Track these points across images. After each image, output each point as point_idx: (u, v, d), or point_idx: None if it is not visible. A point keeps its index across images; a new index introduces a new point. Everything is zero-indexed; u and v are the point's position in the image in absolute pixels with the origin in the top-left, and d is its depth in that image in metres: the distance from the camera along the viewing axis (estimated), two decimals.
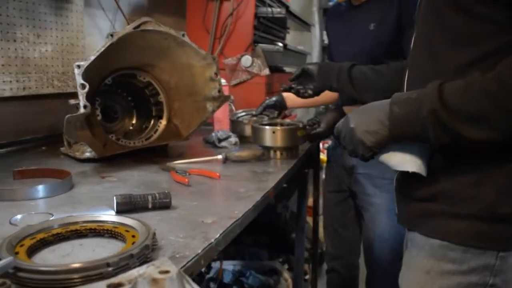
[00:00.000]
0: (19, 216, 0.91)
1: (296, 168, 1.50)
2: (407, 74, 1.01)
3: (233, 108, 2.30)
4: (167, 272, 0.53)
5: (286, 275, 2.07)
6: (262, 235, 2.54)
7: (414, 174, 0.89)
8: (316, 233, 2.29)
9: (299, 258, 2.11)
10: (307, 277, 2.36)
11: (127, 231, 0.78)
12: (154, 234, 0.75)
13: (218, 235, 0.82)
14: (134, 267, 0.63)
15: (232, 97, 2.31)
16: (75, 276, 0.62)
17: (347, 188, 1.86)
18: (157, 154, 1.59)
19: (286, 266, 2.30)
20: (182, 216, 0.93)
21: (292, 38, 3.33)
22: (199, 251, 0.74)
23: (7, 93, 1.58)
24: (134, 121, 1.76)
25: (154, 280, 0.52)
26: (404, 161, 0.90)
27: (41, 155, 1.57)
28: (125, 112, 1.74)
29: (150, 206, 0.96)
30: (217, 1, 2.30)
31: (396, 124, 0.86)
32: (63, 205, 1.01)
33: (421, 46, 0.95)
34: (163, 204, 0.97)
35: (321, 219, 2.40)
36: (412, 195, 0.95)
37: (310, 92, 1.48)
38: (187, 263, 0.69)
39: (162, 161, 1.46)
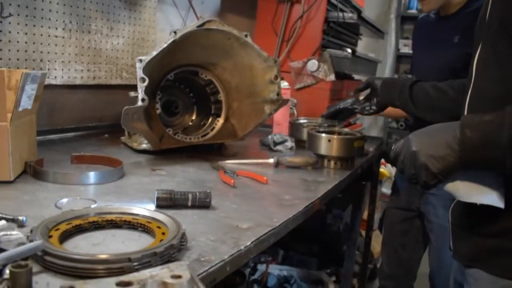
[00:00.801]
0: (64, 200, 0.94)
1: (349, 180, 1.44)
2: (469, 95, 0.94)
3: (295, 112, 2.27)
4: (179, 277, 0.52)
5: (332, 287, 2.01)
6: (313, 243, 2.48)
7: (479, 207, 0.81)
8: (368, 248, 2.20)
9: (347, 272, 2.04)
10: None
11: (158, 227, 0.78)
12: (183, 234, 0.74)
13: (250, 242, 0.79)
14: (157, 265, 0.63)
15: (295, 101, 2.28)
16: (99, 267, 0.62)
17: (415, 207, 1.76)
18: (211, 152, 1.61)
19: (333, 278, 2.22)
20: (218, 218, 0.92)
21: (365, 45, 3.23)
22: (226, 257, 0.72)
23: (78, 81, 1.67)
24: (194, 117, 1.79)
25: (164, 284, 0.51)
26: (476, 192, 0.82)
27: (103, 142, 1.65)
28: (186, 108, 1.78)
29: (189, 204, 0.96)
30: (288, 4, 2.28)
31: (468, 150, 0.78)
32: (109, 193, 1.04)
33: (488, 66, 0.89)
34: (202, 204, 0.97)
35: (375, 234, 2.30)
36: (477, 230, 0.88)
37: (374, 108, 1.47)
38: (210, 268, 0.68)
39: (214, 159, 1.46)
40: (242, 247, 0.77)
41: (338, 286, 2.14)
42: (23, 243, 0.66)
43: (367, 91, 1.53)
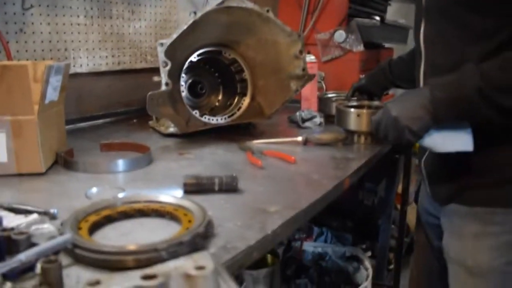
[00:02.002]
0: (94, 190, 0.95)
1: (379, 155, 1.40)
2: (422, 67, 1.10)
3: (324, 86, 2.22)
4: (202, 268, 0.51)
5: (367, 263, 1.99)
6: (348, 219, 2.46)
7: (448, 155, 0.99)
8: (404, 221, 2.16)
9: (383, 247, 2.02)
10: (391, 267, 2.25)
11: (185, 214, 0.77)
12: (210, 221, 0.74)
13: (277, 226, 0.78)
14: (183, 254, 0.63)
15: (323, 74, 2.23)
16: (127, 258, 0.63)
17: None
18: (239, 132, 1.59)
19: (369, 254, 2.21)
20: (246, 202, 0.91)
21: (395, 10, 3.10)
22: (252, 243, 0.71)
23: (103, 68, 1.68)
24: (220, 97, 1.78)
25: (188, 276, 0.50)
26: (450, 142, 0.98)
27: (132, 127, 1.66)
28: (212, 88, 1.76)
29: (216, 188, 0.96)
30: None
31: (440, 108, 0.94)
32: (138, 180, 1.05)
33: (436, 42, 1.05)
34: (229, 187, 0.96)
35: (410, 207, 2.25)
36: (449, 174, 1.07)
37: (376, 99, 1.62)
38: (236, 255, 0.67)
39: (242, 139, 1.45)
40: (269, 232, 0.76)
41: (373, 261, 2.13)
42: (54, 237, 0.67)
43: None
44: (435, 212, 1.22)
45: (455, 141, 0.98)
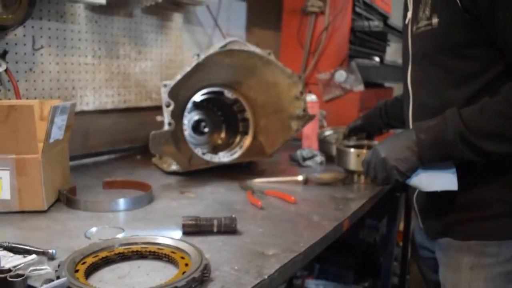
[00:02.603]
0: (93, 230, 0.96)
1: (380, 195, 1.41)
2: (411, 109, 1.16)
3: (325, 124, 2.25)
4: None
5: None
6: (350, 255, 2.43)
7: (439, 192, 1.03)
8: (406, 258, 2.14)
9: (385, 284, 1.99)
10: None
11: (182, 257, 0.78)
12: (206, 265, 0.74)
13: (274, 271, 0.79)
14: None
15: (324, 113, 2.26)
16: None
17: None
18: (240, 170, 1.61)
19: None
20: (244, 244, 0.92)
21: (394, 51, 3.16)
22: None
23: (109, 106, 1.72)
24: (223, 135, 1.81)
25: None
26: (435, 182, 1.03)
27: (135, 164, 1.68)
28: (215, 127, 1.79)
29: (215, 230, 0.97)
30: (312, 16, 2.27)
31: (425, 149, 0.99)
32: (137, 220, 1.06)
33: (422, 85, 1.11)
34: (228, 229, 0.97)
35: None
36: (441, 209, 1.11)
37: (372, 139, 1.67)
38: None
39: (244, 178, 1.47)
40: (266, 277, 0.76)
41: None
42: (51, 279, 0.68)
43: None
44: (429, 245, 1.24)
45: (441, 181, 1.03)
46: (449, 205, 1.09)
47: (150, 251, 0.81)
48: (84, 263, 0.75)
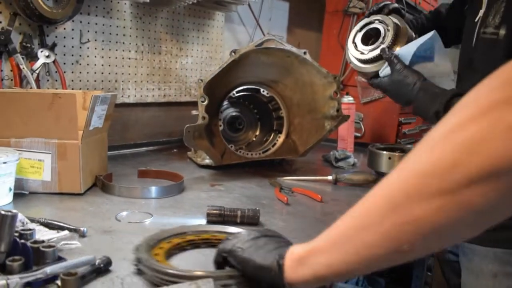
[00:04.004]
0: (124, 213, 1.01)
1: None
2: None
3: (362, 127, 2.24)
4: None
5: None
6: None
7: None
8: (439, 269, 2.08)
9: None
10: None
11: None
12: None
13: None
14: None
15: (361, 115, 2.24)
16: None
17: None
18: (273, 168, 1.63)
19: None
20: None
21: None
22: None
23: (149, 99, 1.79)
24: (257, 133, 1.83)
25: None
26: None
27: (171, 156, 1.74)
28: (250, 124, 1.82)
29: (238, 221, 0.99)
30: (354, 16, 2.26)
31: (416, 107, 1.11)
32: (166, 207, 1.10)
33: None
34: (251, 220, 0.99)
35: None
36: None
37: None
38: None
39: (274, 175, 1.49)
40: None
41: None
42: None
43: None
44: (453, 249, 1.25)
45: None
46: None
47: (219, 239, 0.83)
48: (161, 248, 0.78)
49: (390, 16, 1.23)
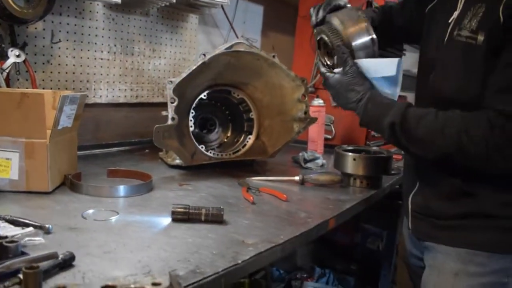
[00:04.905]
0: (90, 211, 1.03)
1: (374, 199, 1.44)
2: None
3: (333, 129, 2.29)
4: (158, 284, 0.57)
5: None
6: (352, 262, 2.46)
7: (435, 198, 1.13)
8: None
9: None
10: None
11: None
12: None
13: (248, 257, 0.84)
14: None
15: (332, 118, 2.30)
16: None
17: None
18: (243, 168, 1.66)
19: None
20: (227, 233, 0.97)
21: (414, 61, 3.17)
22: (220, 270, 0.77)
23: (121, 100, 1.80)
24: (229, 134, 1.87)
25: None
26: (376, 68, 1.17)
27: (142, 157, 1.76)
28: (222, 125, 1.85)
29: (203, 218, 1.02)
30: None
31: (364, 115, 1.15)
32: (133, 206, 1.12)
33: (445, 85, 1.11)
34: (215, 219, 1.02)
35: None
36: (432, 214, 1.15)
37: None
38: (202, 279, 0.73)
39: (243, 175, 1.52)
40: (239, 261, 0.81)
41: None
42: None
43: None
44: (418, 253, 1.26)
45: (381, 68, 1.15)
46: (445, 210, 1.11)
47: None
48: None
49: (330, 18, 1.25)
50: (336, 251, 2.52)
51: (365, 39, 1.20)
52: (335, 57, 1.23)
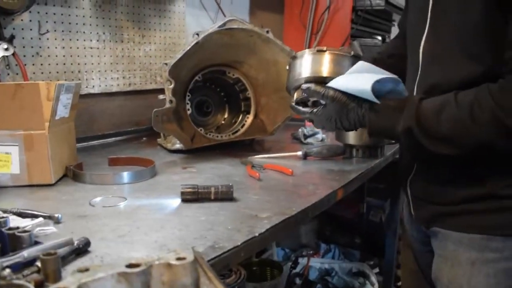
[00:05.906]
0: (98, 199, 1.02)
1: (377, 168, 1.44)
2: (417, 82, 1.04)
3: None
4: (183, 259, 0.56)
5: (374, 279, 2.00)
6: (355, 235, 2.48)
7: (435, 181, 1.01)
8: None
9: (389, 263, 2.02)
10: (399, 283, 2.24)
11: None
12: None
13: (264, 230, 0.83)
14: None
15: None
16: None
17: None
18: (243, 148, 1.65)
19: (376, 270, 2.21)
20: (239, 209, 0.96)
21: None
22: (239, 243, 0.76)
23: (114, 89, 1.77)
24: (226, 116, 1.85)
25: (169, 265, 0.55)
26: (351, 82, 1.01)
27: (141, 145, 1.74)
28: (218, 107, 1.83)
29: (212, 197, 1.01)
30: None
31: (373, 128, 1.01)
32: (140, 191, 1.11)
33: (437, 58, 0.98)
34: (225, 196, 1.01)
35: None
36: (434, 200, 1.04)
37: None
38: (222, 253, 0.72)
39: (245, 155, 1.51)
40: (257, 234, 0.81)
41: (381, 277, 2.13)
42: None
43: None
44: (422, 236, 1.16)
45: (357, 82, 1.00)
46: (449, 193, 1.00)
47: None
48: None
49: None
50: (340, 226, 2.53)
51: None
52: (311, 100, 1.14)
